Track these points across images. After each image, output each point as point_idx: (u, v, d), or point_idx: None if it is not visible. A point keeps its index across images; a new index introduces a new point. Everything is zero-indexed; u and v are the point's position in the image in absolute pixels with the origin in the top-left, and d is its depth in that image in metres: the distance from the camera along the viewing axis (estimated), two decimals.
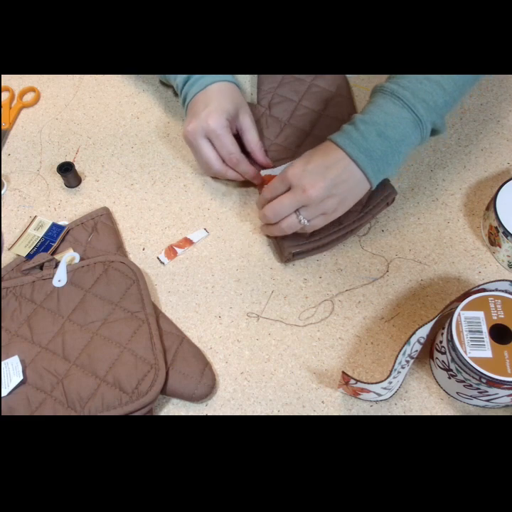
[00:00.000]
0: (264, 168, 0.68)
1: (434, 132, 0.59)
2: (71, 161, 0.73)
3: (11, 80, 0.84)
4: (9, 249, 0.66)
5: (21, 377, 0.54)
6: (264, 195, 0.60)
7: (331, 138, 0.57)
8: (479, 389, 0.50)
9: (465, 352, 0.49)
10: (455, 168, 0.71)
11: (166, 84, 0.80)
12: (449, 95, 0.57)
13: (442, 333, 0.53)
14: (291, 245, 0.61)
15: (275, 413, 0.55)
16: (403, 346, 0.50)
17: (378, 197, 0.64)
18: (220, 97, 0.64)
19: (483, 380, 0.49)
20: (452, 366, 0.51)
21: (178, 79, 0.68)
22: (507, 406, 0.53)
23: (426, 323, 0.52)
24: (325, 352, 0.58)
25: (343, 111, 0.73)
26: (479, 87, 0.79)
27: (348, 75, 0.79)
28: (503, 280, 0.54)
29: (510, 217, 0.60)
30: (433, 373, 0.56)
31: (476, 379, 0.49)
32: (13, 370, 0.54)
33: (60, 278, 0.61)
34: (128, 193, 0.71)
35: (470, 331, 0.51)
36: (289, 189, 0.56)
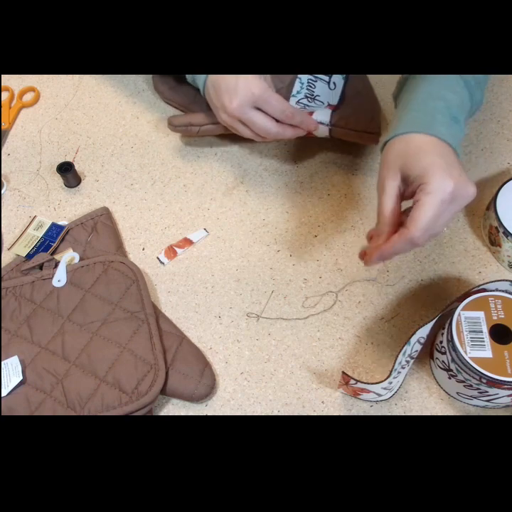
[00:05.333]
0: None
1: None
2: (71, 160, 0.73)
3: (10, 80, 0.84)
4: (9, 249, 0.66)
5: (21, 378, 0.54)
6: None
7: (446, 140, 0.50)
8: (479, 389, 0.50)
9: (465, 352, 0.49)
10: None
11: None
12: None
13: (442, 333, 0.53)
14: None
15: (275, 413, 0.55)
16: (403, 346, 0.50)
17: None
18: None
19: (484, 381, 0.49)
20: (452, 366, 0.51)
21: None
22: (507, 406, 0.53)
23: (426, 323, 0.52)
24: (325, 352, 0.58)
25: None
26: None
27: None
28: (503, 280, 0.54)
29: (511, 217, 0.60)
30: (433, 373, 0.56)
31: (476, 379, 0.49)
32: (13, 371, 0.54)
33: (59, 278, 0.61)
34: (128, 192, 0.71)
35: (470, 331, 0.51)
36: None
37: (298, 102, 0.72)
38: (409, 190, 0.49)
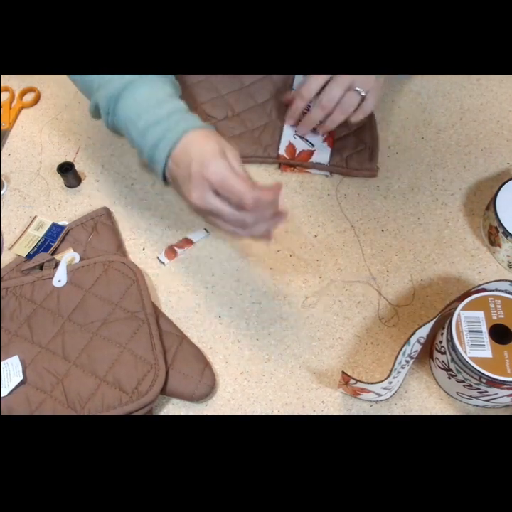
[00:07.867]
0: None
1: None
2: (71, 161, 0.73)
3: (10, 80, 0.84)
4: (9, 249, 0.66)
5: (21, 377, 0.54)
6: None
7: None
8: (479, 389, 0.50)
9: (465, 352, 0.49)
10: (455, 168, 0.71)
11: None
12: None
13: (442, 333, 0.53)
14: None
15: (275, 413, 0.55)
16: (403, 346, 0.50)
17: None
18: (205, 142, 0.51)
19: (483, 380, 0.49)
20: (452, 366, 0.51)
21: (135, 143, 0.56)
22: (507, 406, 0.53)
23: (426, 323, 0.52)
24: (325, 352, 0.58)
25: None
26: (479, 87, 0.79)
27: None
28: (503, 280, 0.54)
29: (510, 217, 0.60)
30: (433, 373, 0.56)
31: (475, 379, 0.49)
32: (13, 370, 0.54)
33: (60, 278, 0.61)
34: (128, 193, 0.71)
35: (470, 331, 0.51)
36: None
37: None
38: None
